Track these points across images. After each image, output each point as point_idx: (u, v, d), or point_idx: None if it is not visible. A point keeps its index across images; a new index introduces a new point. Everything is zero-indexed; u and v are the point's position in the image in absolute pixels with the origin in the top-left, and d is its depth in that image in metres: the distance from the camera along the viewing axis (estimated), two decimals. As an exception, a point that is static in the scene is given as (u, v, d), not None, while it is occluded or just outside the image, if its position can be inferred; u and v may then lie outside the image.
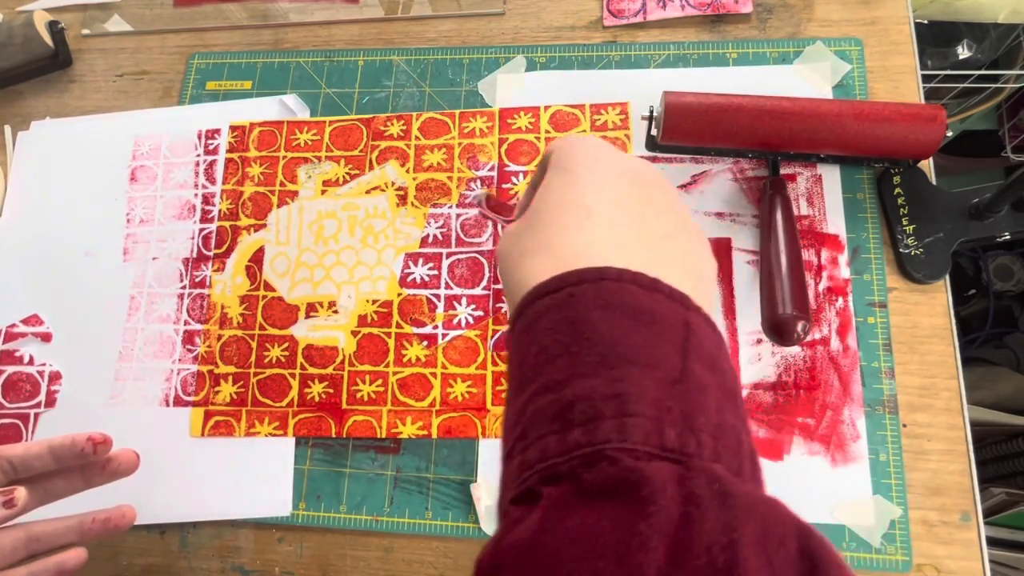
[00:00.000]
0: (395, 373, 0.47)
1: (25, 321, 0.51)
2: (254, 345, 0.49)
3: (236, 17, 0.59)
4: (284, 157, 0.53)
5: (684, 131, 0.44)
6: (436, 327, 0.47)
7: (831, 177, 0.46)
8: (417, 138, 0.51)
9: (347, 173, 0.51)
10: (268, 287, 0.50)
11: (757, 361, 0.43)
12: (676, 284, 0.24)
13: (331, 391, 0.47)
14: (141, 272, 0.52)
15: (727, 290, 0.45)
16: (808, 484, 0.41)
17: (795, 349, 0.43)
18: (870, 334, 0.43)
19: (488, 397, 0.45)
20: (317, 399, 0.47)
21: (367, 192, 0.51)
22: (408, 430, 0.45)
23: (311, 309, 0.49)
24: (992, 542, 0.77)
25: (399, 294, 0.48)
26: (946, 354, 0.42)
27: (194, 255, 0.51)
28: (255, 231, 0.51)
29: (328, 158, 0.52)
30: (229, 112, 0.55)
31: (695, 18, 0.52)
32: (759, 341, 0.44)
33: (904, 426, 0.41)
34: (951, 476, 0.40)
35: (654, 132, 0.46)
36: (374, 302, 0.48)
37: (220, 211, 0.52)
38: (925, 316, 0.43)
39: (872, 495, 0.40)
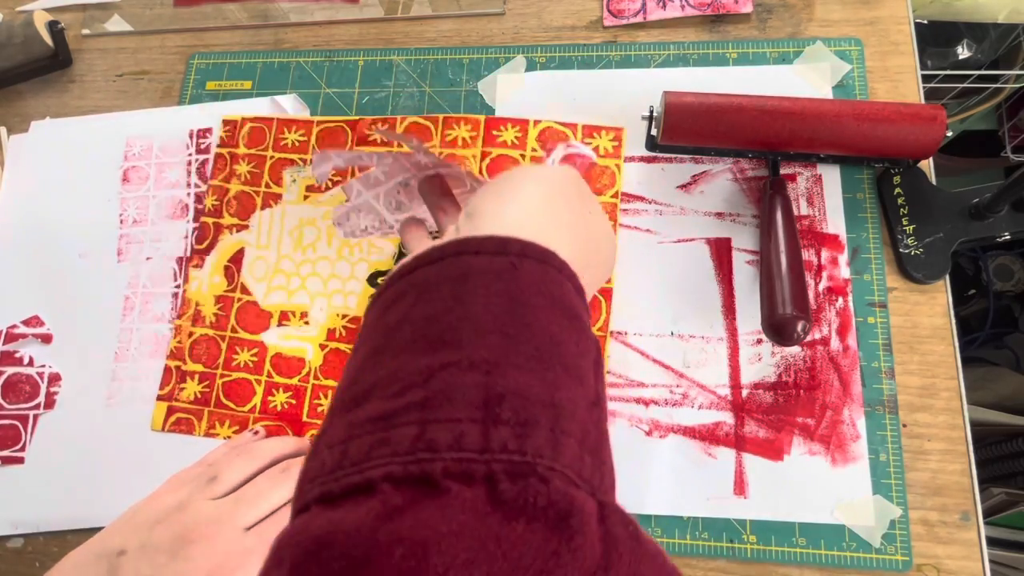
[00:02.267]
0: None
1: (26, 322, 0.51)
2: (224, 347, 0.49)
3: (236, 17, 0.59)
4: (272, 157, 0.52)
5: (684, 131, 0.44)
6: None
7: (831, 177, 0.46)
8: (399, 146, 0.50)
9: (330, 180, 0.51)
10: (244, 290, 0.50)
11: (757, 361, 0.43)
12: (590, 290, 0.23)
13: (293, 402, 0.47)
14: (135, 272, 0.52)
15: (727, 290, 0.45)
16: (808, 484, 0.41)
17: (795, 349, 0.43)
18: (870, 334, 0.43)
19: None
20: (279, 408, 0.47)
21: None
22: None
23: (284, 317, 0.49)
24: (992, 542, 0.77)
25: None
26: (946, 354, 0.42)
27: (187, 254, 0.51)
28: (237, 231, 0.51)
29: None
30: (220, 112, 0.55)
31: (695, 18, 0.52)
32: (759, 341, 0.44)
33: (904, 426, 0.41)
34: (951, 476, 0.40)
35: (654, 132, 0.46)
36: (343, 316, 0.48)
37: (206, 207, 0.52)
38: (925, 316, 0.43)
39: (872, 495, 0.40)
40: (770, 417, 0.42)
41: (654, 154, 0.48)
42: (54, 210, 0.55)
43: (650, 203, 0.47)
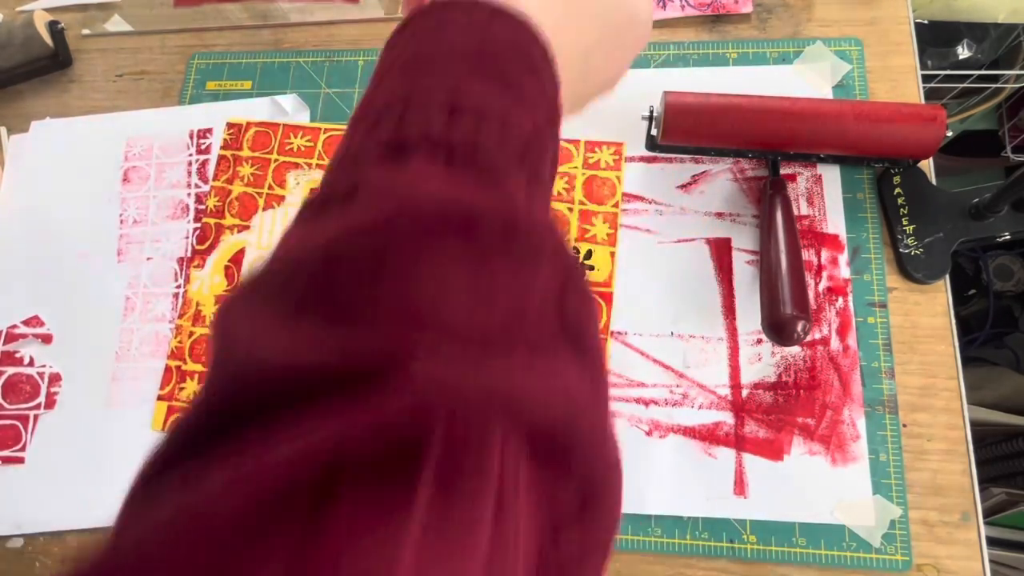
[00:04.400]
0: None
1: (26, 322, 0.51)
2: None
3: (236, 17, 0.59)
4: (276, 160, 0.52)
5: (684, 131, 0.44)
6: None
7: (831, 177, 0.46)
8: None
9: None
10: None
11: (757, 361, 0.43)
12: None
13: None
14: (135, 273, 0.52)
15: (727, 290, 0.45)
16: (808, 484, 0.41)
17: (795, 349, 0.43)
18: (870, 334, 0.43)
19: None
20: None
21: None
22: None
23: None
24: (992, 542, 0.77)
25: None
26: (946, 354, 0.42)
27: (188, 254, 0.51)
28: (238, 231, 0.51)
29: (318, 166, 0.52)
30: (221, 112, 0.55)
31: (695, 18, 0.52)
32: (759, 341, 0.44)
33: (904, 426, 0.41)
34: (951, 476, 0.40)
35: (654, 132, 0.46)
36: None
37: (208, 207, 0.52)
38: (925, 316, 0.43)
39: (872, 495, 0.40)
40: (770, 417, 0.42)
41: (654, 154, 0.48)
42: (54, 210, 0.55)
43: (650, 203, 0.47)
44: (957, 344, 0.43)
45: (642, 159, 0.48)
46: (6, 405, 0.50)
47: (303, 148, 0.52)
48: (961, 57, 0.86)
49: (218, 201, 0.52)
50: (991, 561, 0.39)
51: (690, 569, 0.41)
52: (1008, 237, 0.44)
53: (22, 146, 0.57)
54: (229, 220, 0.52)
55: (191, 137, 0.54)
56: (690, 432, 0.42)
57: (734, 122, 0.43)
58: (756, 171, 0.47)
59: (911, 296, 0.44)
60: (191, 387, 0.48)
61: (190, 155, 0.54)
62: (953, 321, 0.43)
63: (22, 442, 0.49)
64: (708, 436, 0.42)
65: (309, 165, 0.52)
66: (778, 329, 0.37)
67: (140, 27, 0.60)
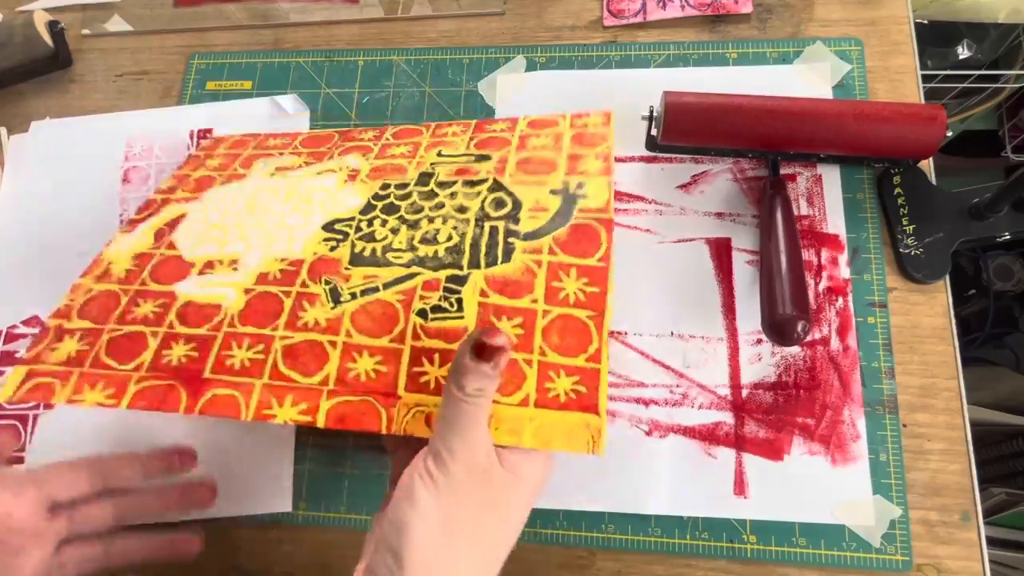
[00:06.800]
0: (283, 338, 0.36)
1: (26, 322, 0.51)
2: (124, 300, 0.40)
3: (236, 17, 0.59)
4: (248, 153, 0.49)
5: (684, 131, 0.44)
6: (354, 294, 0.37)
7: (831, 177, 0.46)
8: (387, 139, 0.48)
9: (305, 163, 0.47)
10: (171, 246, 0.42)
11: (757, 361, 0.43)
12: None
13: (195, 354, 0.37)
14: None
15: (727, 290, 0.45)
16: (808, 484, 0.41)
17: (795, 349, 0.43)
18: (870, 334, 0.43)
19: (401, 380, 0.34)
20: (175, 363, 0.36)
21: (317, 174, 0.45)
22: (284, 413, 0.34)
23: (207, 267, 0.40)
24: (992, 542, 0.77)
25: (314, 253, 0.40)
26: (946, 354, 0.42)
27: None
28: (186, 203, 0.46)
29: (292, 153, 0.49)
30: (222, 112, 0.55)
31: (695, 18, 0.52)
32: (759, 341, 0.44)
33: (904, 426, 0.41)
34: (951, 476, 0.40)
35: (654, 132, 0.46)
36: (282, 260, 0.40)
37: (159, 187, 0.48)
38: (925, 316, 0.43)
39: (872, 495, 0.40)
40: (770, 417, 0.42)
41: (654, 154, 0.48)
42: (54, 210, 0.55)
43: (650, 203, 0.47)
44: (957, 344, 0.43)
45: (642, 159, 0.48)
46: (6, 405, 0.50)
47: (280, 144, 0.50)
48: (961, 57, 0.86)
49: (173, 183, 0.48)
50: (991, 561, 0.39)
51: (690, 569, 0.41)
52: (1008, 237, 0.44)
53: (22, 146, 0.57)
54: (180, 194, 0.47)
55: (191, 137, 0.54)
56: (690, 432, 0.42)
57: (734, 122, 0.43)
58: (756, 171, 0.47)
59: (911, 296, 0.44)
60: (68, 346, 0.38)
61: (190, 155, 0.54)
62: (953, 321, 0.43)
63: (21, 442, 0.49)
64: (708, 436, 0.42)
65: (282, 153, 0.48)
66: (778, 329, 0.37)
67: (140, 27, 0.60)
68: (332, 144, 0.49)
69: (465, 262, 0.37)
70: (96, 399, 0.36)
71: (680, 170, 0.48)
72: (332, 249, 0.40)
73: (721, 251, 0.46)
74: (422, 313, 0.36)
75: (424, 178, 0.43)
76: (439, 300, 0.36)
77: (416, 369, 0.34)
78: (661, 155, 0.48)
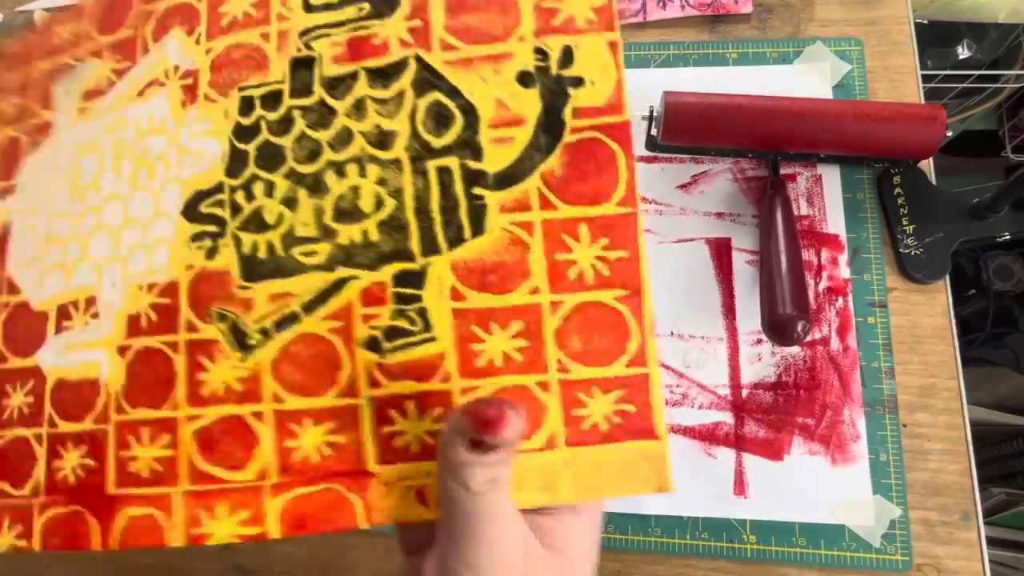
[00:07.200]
0: (190, 419, 0.26)
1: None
2: None
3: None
4: (40, 72, 0.32)
5: (684, 131, 0.44)
6: (264, 331, 0.25)
7: (831, 177, 0.46)
8: None
9: (113, 70, 0.30)
10: (12, 288, 0.30)
11: (757, 361, 0.43)
12: None
13: (91, 463, 0.26)
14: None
15: (727, 290, 0.45)
16: (808, 484, 0.41)
17: (795, 349, 0.43)
18: (870, 334, 0.43)
19: (368, 450, 0.24)
20: (72, 480, 0.27)
21: (139, 94, 0.30)
22: (223, 528, 0.25)
23: (63, 315, 0.28)
24: (992, 542, 0.77)
25: (188, 266, 0.26)
26: (946, 354, 0.42)
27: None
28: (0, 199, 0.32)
29: (91, 54, 0.31)
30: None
31: (695, 18, 0.52)
32: (759, 341, 0.44)
33: (904, 426, 0.41)
34: (951, 476, 0.40)
35: (654, 132, 0.46)
36: (150, 289, 0.27)
37: None
38: (925, 316, 0.43)
39: (872, 495, 0.40)
40: (770, 417, 0.42)
41: (654, 154, 0.48)
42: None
43: (650, 203, 0.47)
44: (957, 344, 0.43)
45: (642, 159, 0.48)
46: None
47: (71, 38, 0.32)
48: (961, 57, 0.87)
49: None
50: (991, 561, 0.39)
51: (690, 569, 0.41)
52: (1008, 237, 0.44)
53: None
54: None
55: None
56: (690, 432, 0.42)
57: (734, 122, 0.43)
58: (756, 171, 0.47)
59: (911, 296, 0.44)
60: None
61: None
62: (953, 321, 0.43)
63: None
64: (708, 436, 0.42)
65: (79, 59, 0.31)
66: (778, 329, 0.37)
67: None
68: (135, 15, 0.30)
69: (415, 244, 0.24)
70: (8, 542, 0.27)
71: (680, 170, 0.48)
72: (210, 255, 0.26)
73: (721, 251, 0.46)
74: (372, 344, 0.24)
75: (302, 73, 0.26)
76: (392, 318, 0.24)
77: (386, 429, 0.24)
78: (661, 155, 0.48)
